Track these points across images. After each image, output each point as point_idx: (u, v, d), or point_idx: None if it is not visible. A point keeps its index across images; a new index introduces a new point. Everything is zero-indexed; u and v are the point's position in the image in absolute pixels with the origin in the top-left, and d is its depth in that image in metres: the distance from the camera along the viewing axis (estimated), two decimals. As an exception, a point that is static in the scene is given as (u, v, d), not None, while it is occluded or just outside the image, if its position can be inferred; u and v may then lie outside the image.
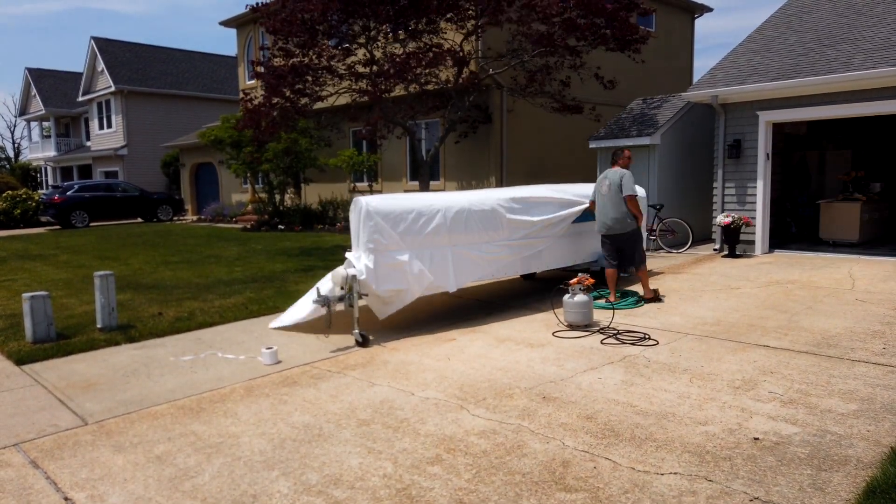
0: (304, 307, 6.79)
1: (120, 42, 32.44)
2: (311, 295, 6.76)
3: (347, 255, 6.64)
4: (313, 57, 12.27)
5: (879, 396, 4.33)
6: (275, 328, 6.91)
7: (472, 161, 15.52)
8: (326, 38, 12.51)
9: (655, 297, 7.59)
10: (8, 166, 48.27)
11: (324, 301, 6.20)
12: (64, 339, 6.54)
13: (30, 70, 38.60)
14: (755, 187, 11.18)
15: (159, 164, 30.58)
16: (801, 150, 13.77)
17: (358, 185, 18.56)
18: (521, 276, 9.09)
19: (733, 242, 11.01)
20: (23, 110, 40.97)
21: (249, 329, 6.92)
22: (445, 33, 12.70)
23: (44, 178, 39.72)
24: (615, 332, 6.19)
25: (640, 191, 9.70)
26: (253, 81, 19.27)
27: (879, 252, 10.77)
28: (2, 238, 19.61)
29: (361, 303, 6.42)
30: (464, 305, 7.86)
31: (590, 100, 14.22)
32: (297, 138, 17.74)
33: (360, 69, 12.55)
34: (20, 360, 5.90)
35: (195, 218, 26.29)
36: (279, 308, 7.75)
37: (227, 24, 22.54)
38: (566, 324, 6.56)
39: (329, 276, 6.59)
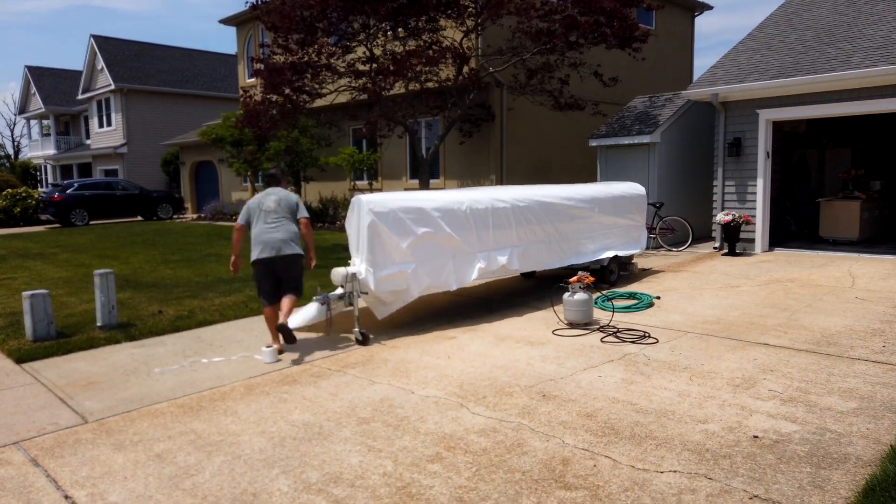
0: (310, 308, 6.71)
1: (119, 40, 32.38)
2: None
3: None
4: (312, 55, 12.26)
5: (879, 394, 4.34)
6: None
7: (472, 159, 15.51)
8: (326, 36, 12.49)
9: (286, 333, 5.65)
10: (8, 164, 48.23)
11: (323, 299, 6.21)
12: (64, 337, 6.55)
13: (29, 68, 38.55)
14: (755, 185, 11.18)
15: (159, 163, 30.55)
16: (800, 148, 13.77)
17: (358, 183, 18.56)
18: (522, 274, 9.10)
19: (733, 240, 11.01)
20: (22, 108, 40.93)
21: (249, 327, 6.93)
22: (445, 31, 12.69)
23: (43, 177, 39.72)
24: (615, 330, 6.20)
25: (641, 189, 9.71)
26: (253, 80, 19.23)
27: (879, 250, 10.77)
28: (2, 236, 19.61)
29: (361, 302, 6.42)
30: (464, 304, 7.86)
31: (589, 98, 14.20)
32: (299, 137, 17.73)
33: (360, 67, 12.55)
34: (20, 358, 5.91)
35: (195, 216, 26.28)
36: (279, 306, 7.76)
37: (226, 21, 22.55)
38: (566, 322, 6.56)
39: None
